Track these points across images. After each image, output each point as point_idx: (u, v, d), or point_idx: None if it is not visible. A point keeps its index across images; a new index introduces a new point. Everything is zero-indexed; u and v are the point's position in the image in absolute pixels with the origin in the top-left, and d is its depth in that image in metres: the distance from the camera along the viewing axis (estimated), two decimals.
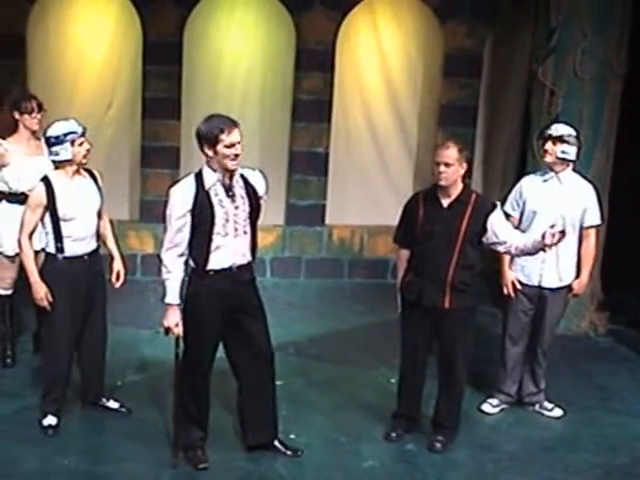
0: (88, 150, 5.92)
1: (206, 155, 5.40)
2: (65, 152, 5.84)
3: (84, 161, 5.94)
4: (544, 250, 5.72)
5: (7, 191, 6.81)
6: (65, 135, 5.81)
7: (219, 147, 5.32)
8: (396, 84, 9.72)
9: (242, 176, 5.56)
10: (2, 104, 6.86)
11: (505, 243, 5.83)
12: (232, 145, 5.33)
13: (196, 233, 5.44)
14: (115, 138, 9.41)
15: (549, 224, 6.38)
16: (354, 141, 9.81)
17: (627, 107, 8.39)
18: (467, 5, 9.34)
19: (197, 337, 5.58)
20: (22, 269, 6.25)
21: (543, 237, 5.58)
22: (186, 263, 5.54)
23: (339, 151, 9.71)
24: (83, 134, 5.89)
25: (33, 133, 6.83)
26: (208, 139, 5.33)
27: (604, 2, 7.96)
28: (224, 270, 5.51)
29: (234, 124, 5.37)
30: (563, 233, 5.59)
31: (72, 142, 5.82)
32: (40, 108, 6.81)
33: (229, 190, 5.47)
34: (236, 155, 5.36)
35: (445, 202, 5.89)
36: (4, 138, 6.77)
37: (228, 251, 5.49)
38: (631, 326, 8.64)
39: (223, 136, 5.30)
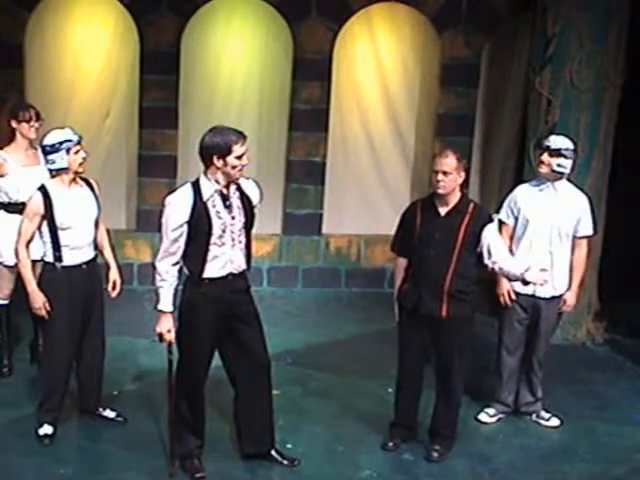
0: (84, 158, 5.92)
1: (212, 166, 5.38)
2: (61, 160, 5.84)
3: (80, 170, 5.94)
4: (524, 283, 5.90)
5: (6, 201, 6.79)
6: (60, 143, 5.82)
7: (230, 158, 5.33)
8: (393, 93, 9.73)
9: (237, 186, 5.57)
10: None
11: (491, 258, 5.85)
12: (242, 156, 5.37)
13: (192, 243, 5.44)
14: (112, 147, 9.41)
15: (542, 235, 6.41)
16: (351, 150, 9.80)
17: (624, 117, 8.40)
18: (464, 15, 9.35)
19: (192, 344, 5.57)
20: (19, 278, 6.25)
21: (527, 270, 5.76)
22: (180, 271, 5.54)
23: (336, 160, 9.71)
24: (79, 142, 5.90)
25: (30, 143, 6.82)
26: (221, 150, 5.32)
27: (601, 12, 7.96)
28: (219, 279, 5.51)
29: (244, 136, 5.42)
30: (546, 281, 5.85)
31: (67, 150, 5.83)
32: (38, 117, 6.80)
33: (226, 201, 5.47)
34: (243, 166, 5.40)
35: (443, 210, 5.89)
36: (1, 148, 6.76)
37: (224, 261, 5.50)
38: (628, 336, 8.62)
39: (236, 147, 5.33)
